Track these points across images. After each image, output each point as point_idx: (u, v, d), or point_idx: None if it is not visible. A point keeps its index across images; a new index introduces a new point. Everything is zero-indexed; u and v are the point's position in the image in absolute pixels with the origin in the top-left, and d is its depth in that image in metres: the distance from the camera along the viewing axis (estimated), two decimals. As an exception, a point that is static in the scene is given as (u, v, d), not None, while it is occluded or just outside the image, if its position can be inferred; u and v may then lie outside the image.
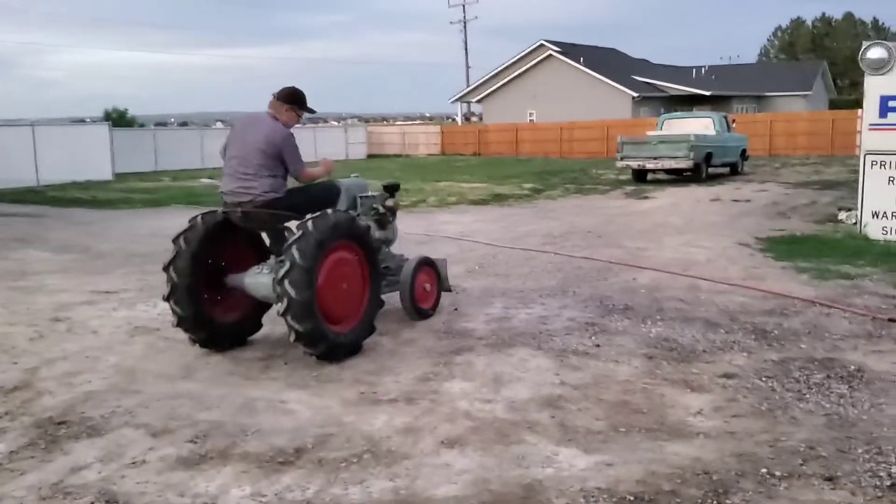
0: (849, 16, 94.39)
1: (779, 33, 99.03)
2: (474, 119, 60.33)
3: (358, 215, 6.73)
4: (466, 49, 64.27)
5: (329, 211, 5.99)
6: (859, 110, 36.63)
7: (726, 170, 25.56)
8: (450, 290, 7.79)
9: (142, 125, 59.48)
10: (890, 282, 8.21)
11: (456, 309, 7.64)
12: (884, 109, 10.83)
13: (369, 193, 7.43)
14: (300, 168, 6.20)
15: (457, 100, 56.44)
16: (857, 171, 11.07)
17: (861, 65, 10.87)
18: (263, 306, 6.60)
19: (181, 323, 6.22)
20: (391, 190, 7.52)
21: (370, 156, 49.36)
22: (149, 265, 10.49)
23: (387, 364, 5.99)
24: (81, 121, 52.44)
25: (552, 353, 6.09)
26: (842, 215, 13.67)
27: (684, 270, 9.18)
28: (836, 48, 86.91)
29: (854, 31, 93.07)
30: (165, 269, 6.15)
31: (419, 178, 27.01)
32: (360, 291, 6.29)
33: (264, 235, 6.60)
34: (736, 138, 25.79)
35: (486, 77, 54.23)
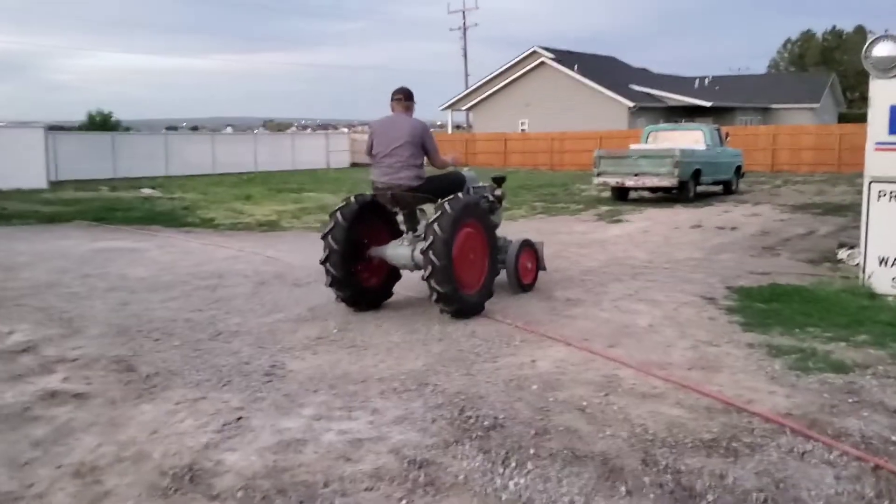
0: (860, 29, 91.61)
1: (788, 45, 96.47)
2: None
3: None
4: (466, 56, 61.99)
5: (460, 194, 7.41)
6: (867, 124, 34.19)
7: (719, 188, 22.87)
8: (545, 270, 9.03)
9: (127, 129, 57.19)
10: (903, 379, 5.50)
11: (239, 419, 4.98)
12: (895, 123, 8.12)
13: (480, 184, 8.57)
14: (437, 154, 7.64)
15: (447, 107, 53.81)
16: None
17: (865, 64, 8.19)
18: (395, 277, 8.16)
19: (334, 282, 7.56)
20: (499, 181, 8.75)
21: (353, 164, 46.77)
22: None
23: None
24: (97, 124, 50.29)
25: (307, 544, 3.41)
26: (842, 254, 11.00)
27: (610, 344, 6.52)
28: (847, 61, 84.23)
29: (865, 44, 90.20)
30: (324, 237, 7.54)
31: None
32: (482, 261, 7.62)
33: (399, 217, 7.94)
34: (729, 153, 23.12)
35: (478, 84, 51.75)
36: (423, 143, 7.44)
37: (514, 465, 4.22)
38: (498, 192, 8.72)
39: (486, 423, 4.82)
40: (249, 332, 7.23)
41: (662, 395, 5.27)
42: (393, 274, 8.13)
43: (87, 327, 7.51)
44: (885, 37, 7.98)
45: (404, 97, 7.68)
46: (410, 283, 8.58)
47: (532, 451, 4.38)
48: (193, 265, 11.01)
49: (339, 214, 7.55)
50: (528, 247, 8.60)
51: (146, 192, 25.09)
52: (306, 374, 5.93)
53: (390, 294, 8.14)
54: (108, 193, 24.89)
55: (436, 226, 6.95)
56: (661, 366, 5.90)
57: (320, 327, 7.29)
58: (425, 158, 7.61)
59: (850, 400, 5.09)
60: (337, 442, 4.61)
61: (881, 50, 7.98)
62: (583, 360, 6.11)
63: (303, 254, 11.92)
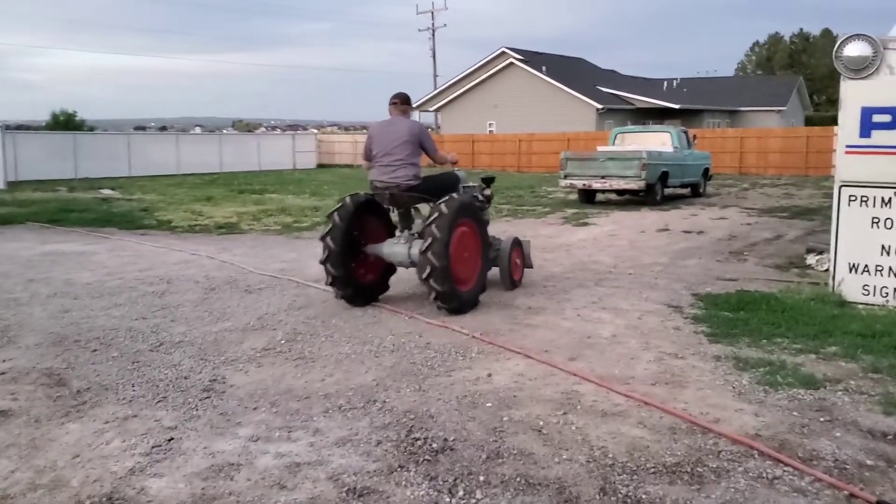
0: (826, 32, 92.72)
1: (756, 48, 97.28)
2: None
3: None
4: (434, 57, 61.60)
5: (455, 195, 7.64)
6: (835, 127, 34.30)
7: (686, 191, 22.71)
8: (531, 267, 9.36)
9: (92, 129, 56.21)
10: (877, 394, 5.24)
11: (171, 440, 4.61)
12: (867, 126, 7.91)
13: (470, 184, 8.82)
14: (436, 151, 8.01)
15: (414, 108, 53.25)
16: (832, 196, 8.15)
17: (836, 65, 7.96)
18: (390, 271, 8.43)
19: (334, 282, 7.82)
20: (488, 182, 9.02)
21: (320, 165, 46.34)
22: None
23: None
24: (61, 123, 49.44)
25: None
26: (810, 259, 10.81)
27: (571, 357, 6.21)
28: (814, 64, 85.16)
29: (832, 47, 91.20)
30: (322, 238, 7.80)
31: (343, 193, 23.90)
32: (476, 258, 7.91)
33: (393, 215, 8.25)
34: (697, 156, 22.96)
35: (446, 85, 51.50)
36: (420, 142, 7.77)
37: (461, 493, 3.89)
38: (487, 191, 9.00)
39: (434, 445, 4.48)
40: (193, 342, 6.84)
41: (624, 413, 4.96)
42: (388, 268, 8.41)
43: (23, 336, 7.09)
44: (857, 36, 7.75)
45: (401, 101, 8.01)
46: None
47: (482, 478, 4.05)
48: (142, 269, 10.57)
49: (335, 216, 7.81)
50: (518, 245, 8.93)
51: (105, 192, 24.51)
52: (247, 389, 5.56)
53: (387, 287, 8.45)
54: (65, 194, 24.26)
55: (434, 227, 7.22)
56: (624, 380, 5.60)
57: (268, 337, 6.92)
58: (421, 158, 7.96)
59: (822, 419, 4.81)
60: (273, 467, 4.25)
61: (852, 50, 7.75)
62: (542, 373, 5.79)
63: (259, 258, 11.54)
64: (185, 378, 5.83)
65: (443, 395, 5.34)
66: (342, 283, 7.83)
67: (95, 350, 6.64)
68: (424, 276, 7.26)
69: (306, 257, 11.56)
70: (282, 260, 11.36)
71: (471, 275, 7.83)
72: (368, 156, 8.03)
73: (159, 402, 5.34)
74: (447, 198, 7.52)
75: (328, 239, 7.76)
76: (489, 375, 5.74)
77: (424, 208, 8.07)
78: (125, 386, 5.68)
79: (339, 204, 7.95)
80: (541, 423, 4.80)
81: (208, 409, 5.16)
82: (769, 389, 5.35)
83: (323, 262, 7.82)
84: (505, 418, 4.89)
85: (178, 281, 9.69)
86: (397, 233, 8.26)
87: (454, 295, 7.43)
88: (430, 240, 7.20)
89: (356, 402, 5.22)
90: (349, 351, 6.45)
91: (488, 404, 5.14)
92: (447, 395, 5.32)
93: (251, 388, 5.59)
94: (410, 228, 8.12)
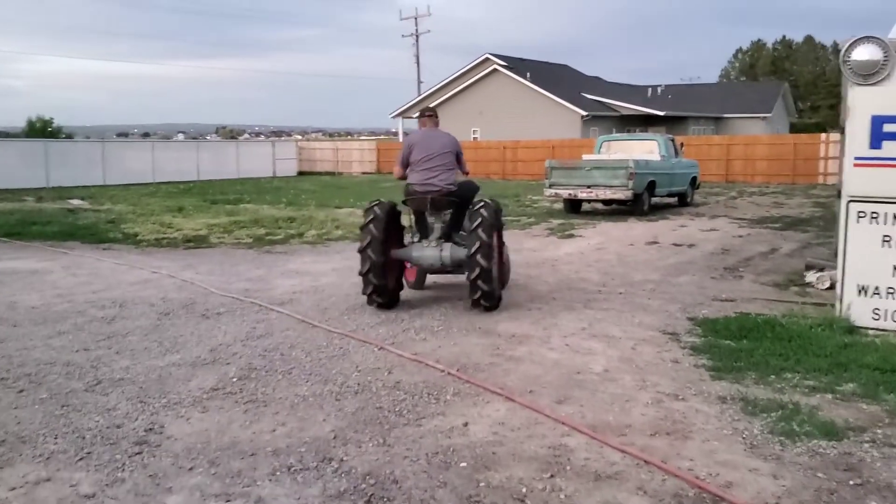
0: (809, 39, 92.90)
1: (739, 55, 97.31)
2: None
3: None
4: (418, 63, 60.91)
5: (488, 200, 8.14)
6: (822, 135, 33.83)
7: (674, 200, 22.10)
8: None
9: (68, 136, 55.24)
10: (909, 446, 4.53)
11: (82, 513, 3.85)
12: (877, 136, 7.26)
13: None
14: (464, 163, 8.75)
15: (398, 115, 52.68)
16: (822, 205, 7.57)
17: (843, 69, 7.29)
18: (402, 274, 8.77)
19: (374, 290, 8.13)
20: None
21: (301, 173, 45.61)
22: None
23: None
24: (37, 130, 48.71)
25: None
26: (810, 276, 10.15)
27: (559, 399, 5.50)
28: (797, 71, 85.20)
29: (814, 54, 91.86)
30: (362, 251, 8.03)
31: (321, 202, 23.20)
32: (500, 257, 8.48)
33: (405, 221, 8.63)
34: (685, 164, 22.35)
35: (429, 92, 50.77)
36: (457, 153, 8.39)
37: (427, 592, 3.15)
38: None
39: (397, 521, 3.74)
40: (134, 380, 6.10)
41: (621, 474, 4.24)
42: (402, 271, 8.77)
43: (-57, 374, 6.29)
44: (866, 38, 7.10)
45: (434, 115, 8.71)
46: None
47: (453, 569, 3.31)
48: (96, 291, 9.79)
49: (372, 228, 8.00)
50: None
51: (74, 203, 23.62)
52: (186, 442, 4.81)
53: (402, 286, 8.74)
54: (31, 204, 23.36)
55: (480, 231, 7.78)
56: (619, 430, 4.89)
57: (218, 374, 6.18)
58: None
59: (851, 481, 4.11)
60: (199, 553, 3.49)
61: (861, 53, 7.09)
62: (526, 421, 5.07)
63: (224, 275, 10.80)
64: (118, 427, 5.08)
65: (410, 450, 4.61)
66: (381, 292, 8.11)
67: (22, 391, 5.87)
68: (473, 276, 7.76)
69: (274, 275, 10.84)
70: (247, 278, 10.62)
71: (497, 273, 8.28)
72: (405, 163, 8.38)
73: (81, 459, 4.59)
74: (482, 203, 7.99)
75: (369, 251, 7.95)
76: (465, 425, 5.01)
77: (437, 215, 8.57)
78: (46, 438, 4.92)
79: (371, 215, 8.07)
80: (523, 489, 4.08)
81: (136, 470, 4.41)
82: (786, 441, 4.65)
83: (363, 274, 8.04)
84: (482, 483, 4.16)
85: (131, 304, 8.92)
86: (407, 238, 8.65)
87: (494, 294, 7.98)
88: (478, 244, 7.71)
89: (309, 462, 4.48)
90: (307, 392, 5.71)
91: (463, 464, 4.41)
92: (415, 452, 4.58)
93: (191, 440, 4.84)
94: (429, 233, 8.48)
